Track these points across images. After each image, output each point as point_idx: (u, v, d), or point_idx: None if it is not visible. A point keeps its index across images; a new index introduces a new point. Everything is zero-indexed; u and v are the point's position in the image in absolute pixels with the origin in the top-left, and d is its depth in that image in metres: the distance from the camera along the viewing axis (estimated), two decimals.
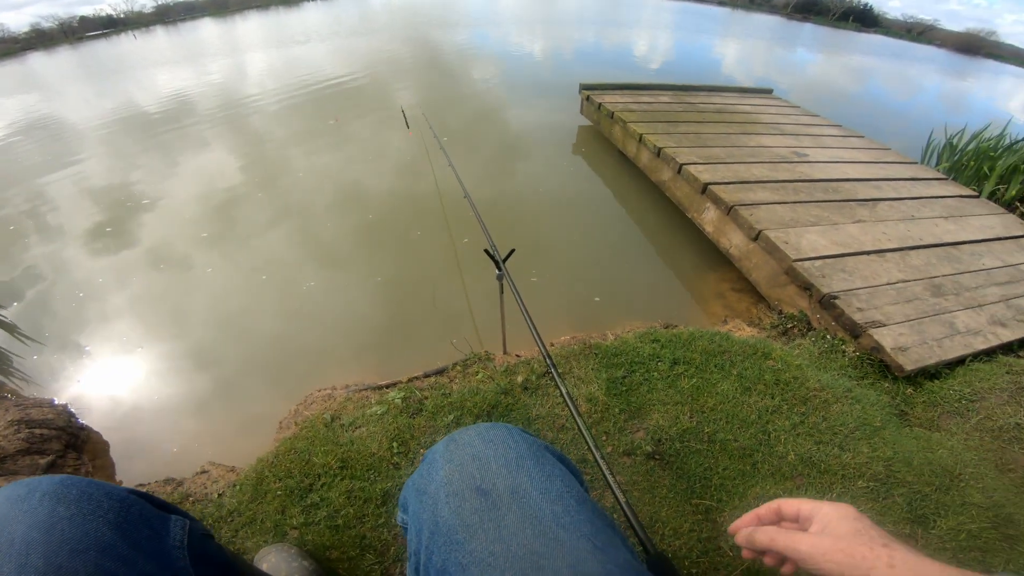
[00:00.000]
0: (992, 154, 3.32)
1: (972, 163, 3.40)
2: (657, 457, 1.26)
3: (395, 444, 1.30)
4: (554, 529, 0.45)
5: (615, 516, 1.15)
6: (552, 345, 1.67)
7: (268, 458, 1.30)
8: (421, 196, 2.64)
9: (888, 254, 2.11)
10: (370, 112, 4.29)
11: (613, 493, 0.84)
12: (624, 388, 1.43)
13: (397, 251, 2.26)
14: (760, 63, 9.00)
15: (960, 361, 1.70)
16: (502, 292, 1.47)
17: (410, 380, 1.58)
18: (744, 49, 10.77)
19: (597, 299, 2.03)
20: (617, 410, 1.37)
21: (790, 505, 0.51)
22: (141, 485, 1.33)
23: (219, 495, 1.24)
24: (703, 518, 1.16)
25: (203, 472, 1.37)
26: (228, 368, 1.78)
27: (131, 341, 1.88)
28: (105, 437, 1.55)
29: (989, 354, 1.74)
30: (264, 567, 1.00)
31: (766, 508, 0.53)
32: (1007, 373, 1.67)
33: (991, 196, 3.10)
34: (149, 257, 2.35)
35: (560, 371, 1.51)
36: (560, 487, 0.50)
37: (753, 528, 0.51)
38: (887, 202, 2.55)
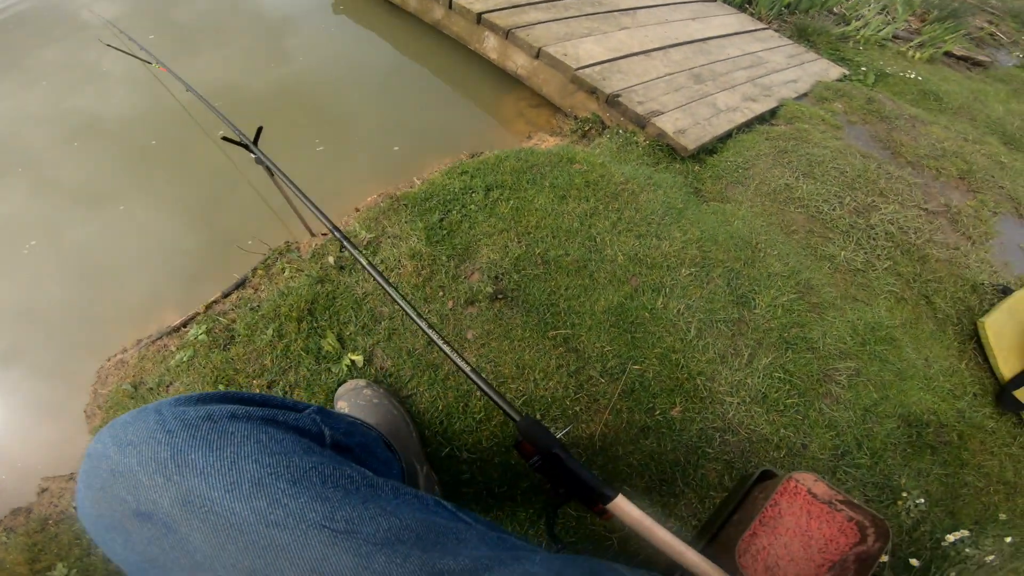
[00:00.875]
0: None
1: None
2: (500, 296, 1.19)
3: (221, 386, 1.04)
4: (264, 532, 0.36)
5: (469, 391, 1.08)
6: (358, 210, 1.42)
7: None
8: (158, 111, 1.91)
9: (653, 53, 2.29)
10: (54, 42, 2.87)
11: (457, 367, 0.72)
12: (445, 231, 1.29)
13: (149, 172, 1.64)
14: None
15: (728, 136, 1.93)
16: (272, 175, 1.21)
17: (208, 307, 1.23)
18: None
19: (396, 148, 1.76)
20: (445, 257, 1.23)
21: None
22: None
23: (75, 507, 0.86)
24: (565, 349, 1.15)
25: (44, 491, 1.03)
26: (12, 371, 1.20)
27: None
28: None
29: (748, 126, 2.01)
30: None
31: None
32: (766, 140, 1.93)
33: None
34: None
35: (372, 236, 1.29)
36: (256, 471, 0.38)
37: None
38: (644, 10, 2.70)
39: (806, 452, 1.12)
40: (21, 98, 1.94)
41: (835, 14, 3.40)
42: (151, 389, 1.07)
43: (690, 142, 1.77)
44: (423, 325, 0.78)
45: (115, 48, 2.03)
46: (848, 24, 3.25)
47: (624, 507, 0.60)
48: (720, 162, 1.81)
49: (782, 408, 1.17)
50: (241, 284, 1.28)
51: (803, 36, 2.95)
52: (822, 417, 1.18)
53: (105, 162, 1.67)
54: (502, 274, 1.22)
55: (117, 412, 1.04)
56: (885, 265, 1.58)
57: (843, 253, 1.58)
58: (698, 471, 1.05)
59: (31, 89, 2.02)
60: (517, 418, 0.70)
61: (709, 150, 1.85)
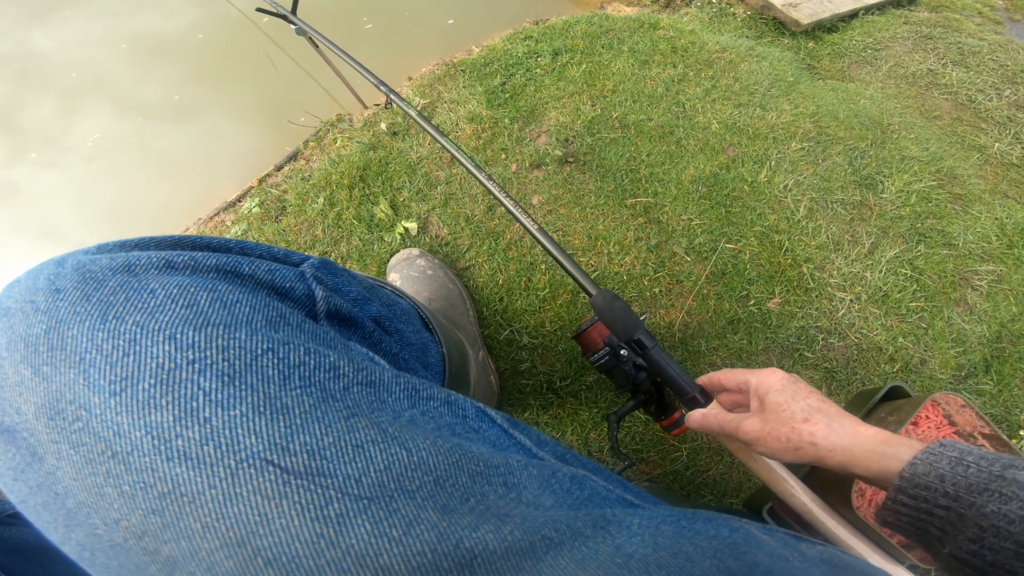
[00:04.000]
0: None
1: None
2: (571, 160, 1.03)
3: None
4: (165, 470, 0.21)
5: (533, 264, 0.93)
6: (411, 79, 1.28)
7: None
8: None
9: None
10: None
11: (532, 235, 0.58)
12: (507, 95, 1.12)
13: (195, 61, 1.57)
14: None
15: (853, 16, 1.63)
16: (316, 47, 1.12)
17: (261, 181, 1.17)
18: None
19: (451, 21, 1.59)
20: (508, 120, 1.07)
21: (731, 378, 0.48)
22: None
23: None
24: (645, 219, 0.98)
25: None
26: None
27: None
28: None
29: (879, 8, 1.69)
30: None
31: (715, 378, 0.50)
32: (904, 24, 1.60)
33: None
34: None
35: (427, 102, 1.15)
36: (167, 356, 0.23)
37: (703, 413, 0.48)
38: None
39: (923, 369, 0.93)
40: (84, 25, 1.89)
41: None
42: None
43: (804, 16, 1.50)
44: (482, 178, 0.65)
45: None
46: None
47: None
48: (842, 40, 1.52)
49: (903, 312, 0.96)
50: (293, 156, 1.20)
51: None
52: (949, 328, 0.96)
53: (157, 60, 1.61)
54: (573, 137, 1.05)
55: None
56: None
57: (997, 145, 1.30)
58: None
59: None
60: (593, 291, 0.56)
61: (827, 28, 1.56)
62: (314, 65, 1.36)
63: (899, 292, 0.98)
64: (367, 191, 1.02)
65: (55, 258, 0.27)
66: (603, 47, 1.24)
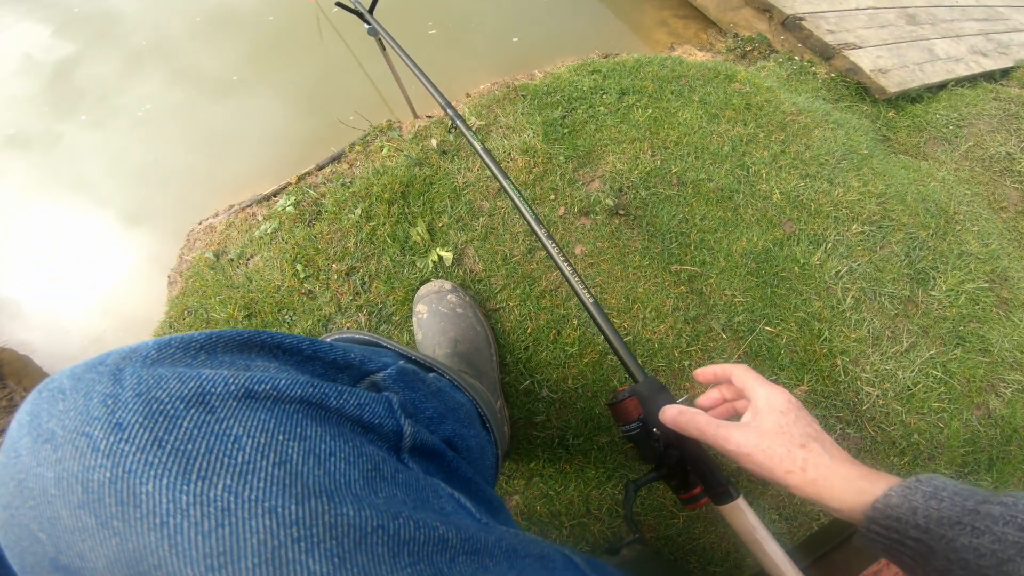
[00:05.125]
0: None
1: None
2: (621, 212, 0.98)
3: (299, 266, 0.94)
4: None
5: (565, 317, 0.89)
6: (469, 96, 1.24)
7: (162, 332, 0.91)
8: None
9: None
10: None
11: (578, 296, 0.54)
12: (566, 130, 1.08)
13: (259, 42, 1.57)
14: None
15: (941, 87, 1.55)
16: (383, 49, 1.13)
17: (300, 179, 1.15)
18: None
19: (515, 39, 1.55)
20: (562, 158, 1.03)
21: (740, 379, 0.47)
22: None
23: None
24: (687, 289, 0.93)
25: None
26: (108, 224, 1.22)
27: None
28: (21, 351, 1.05)
29: (971, 81, 1.61)
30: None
31: (723, 370, 0.49)
32: (994, 99, 1.52)
33: None
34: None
35: (482, 124, 1.12)
36: (269, 526, 0.22)
37: (680, 410, 0.47)
38: None
39: (930, 464, 0.92)
40: None
41: None
42: (232, 260, 1.00)
43: (892, 84, 1.42)
44: (535, 225, 0.60)
45: None
46: None
47: (744, 510, 0.48)
48: (925, 113, 1.43)
49: (925, 411, 0.93)
50: (337, 158, 1.18)
51: None
52: (965, 429, 0.94)
53: (224, 38, 1.61)
54: (627, 187, 1.00)
55: (196, 282, 0.98)
56: None
57: None
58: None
59: None
60: (640, 378, 0.54)
61: (912, 98, 1.47)
62: (375, 66, 1.34)
63: (925, 392, 0.94)
64: (407, 209, 0.98)
65: (107, 364, 0.24)
66: (672, 93, 1.18)
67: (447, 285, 0.87)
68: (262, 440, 0.23)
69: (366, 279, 0.92)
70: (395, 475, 0.27)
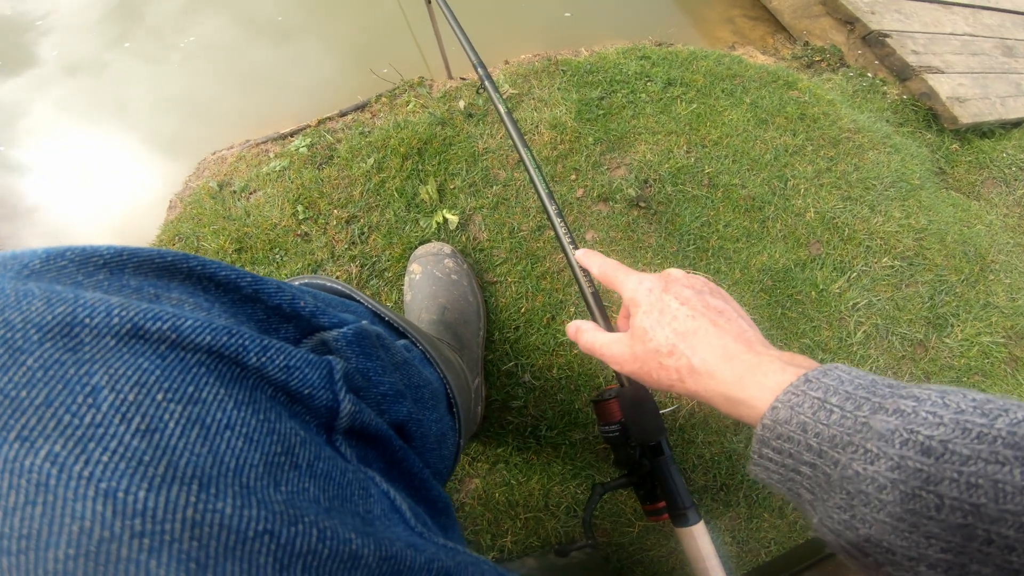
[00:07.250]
0: None
1: None
2: (642, 205, 0.92)
3: (300, 207, 0.91)
4: None
5: (563, 301, 0.84)
6: (507, 64, 1.19)
7: None
8: None
9: (956, 8, 1.74)
10: None
11: (578, 282, 0.49)
12: (601, 112, 1.02)
13: None
14: None
15: (1017, 124, 1.44)
16: (429, 2, 1.06)
17: (320, 122, 1.12)
18: None
19: (568, 14, 1.48)
20: (591, 139, 0.97)
21: (608, 279, 0.40)
22: None
23: None
24: None
25: None
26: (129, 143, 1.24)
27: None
28: None
29: None
30: None
31: (597, 272, 0.42)
32: None
33: None
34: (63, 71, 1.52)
35: (516, 92, 1.07)
36: (108, 519, 0.15)
37: (577, 328, 0.41)
38: None
39: None
40: None
41: None
42: (234, 192, 0.98)
43: (966, 115, 1.32)
44: (550, 207, 0.55)
45: None
46: None
47: (698, 537, 0.45)
48: (992, 150, 1.32)
49: None
50: (361, 107, 1.15)
51: None
52: None
53: None
54: (653, 180, 0.94)
55: (194, 209, 0.96)
56: None
57: None
58: (776, 494, 0.77)
59: None
60: (626, 383, 0.50)
61: (983, 132, 1.35)
62: (422, 29, 1.30)
63: None
64: (420, 166, 0.95)
65: None
66: (723, 91, 1.11)
67: (446, 248, 0.83)
68: (130, 397, 0.17)
69: (365, 230, 0.89)
70: (313, 463, 0.21)
